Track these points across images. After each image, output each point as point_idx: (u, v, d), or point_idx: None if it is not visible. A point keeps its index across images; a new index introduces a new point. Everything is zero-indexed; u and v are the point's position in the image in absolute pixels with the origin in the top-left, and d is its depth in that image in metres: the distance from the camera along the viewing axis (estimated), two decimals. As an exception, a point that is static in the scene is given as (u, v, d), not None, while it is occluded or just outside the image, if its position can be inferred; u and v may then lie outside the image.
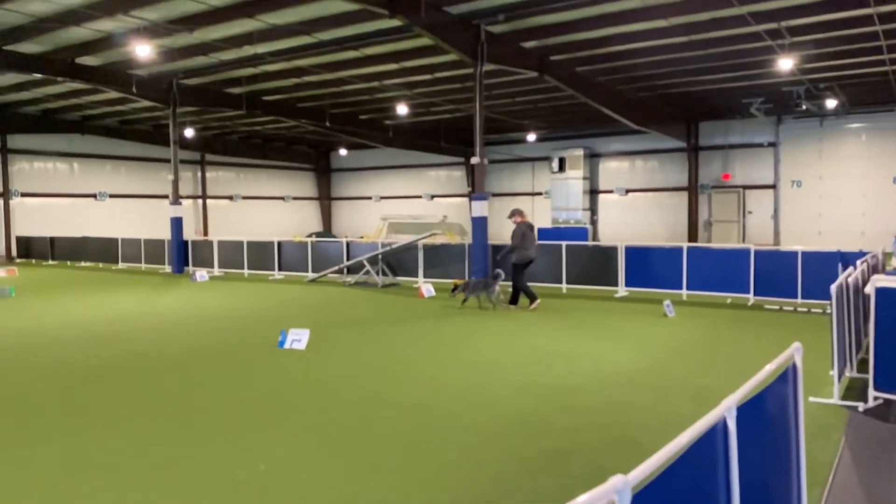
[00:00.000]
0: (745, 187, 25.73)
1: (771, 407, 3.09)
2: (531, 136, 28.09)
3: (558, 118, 26.17)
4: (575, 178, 28.46)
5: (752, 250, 12.33)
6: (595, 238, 28.63)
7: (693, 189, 26.27)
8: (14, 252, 24.80)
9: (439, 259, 15.69)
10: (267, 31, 14.60)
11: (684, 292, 12.74)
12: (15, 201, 25.08)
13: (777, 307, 11.58)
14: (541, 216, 30.23)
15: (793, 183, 24.73)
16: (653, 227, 27.64)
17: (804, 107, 20.45)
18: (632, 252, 13.58)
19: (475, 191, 14.81)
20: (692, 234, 26.12)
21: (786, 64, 15.16)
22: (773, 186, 25.11)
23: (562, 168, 28.55)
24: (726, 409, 2.51)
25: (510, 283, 12.06)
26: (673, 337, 9.05)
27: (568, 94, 19.42)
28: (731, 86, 19.95)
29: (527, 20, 14.08)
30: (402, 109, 21.78)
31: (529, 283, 12.19)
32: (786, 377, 3.28)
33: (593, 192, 29.29)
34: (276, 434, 5.23)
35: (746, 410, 2.66)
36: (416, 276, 15.61)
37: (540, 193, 30.84)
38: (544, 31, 14.79)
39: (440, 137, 28.68)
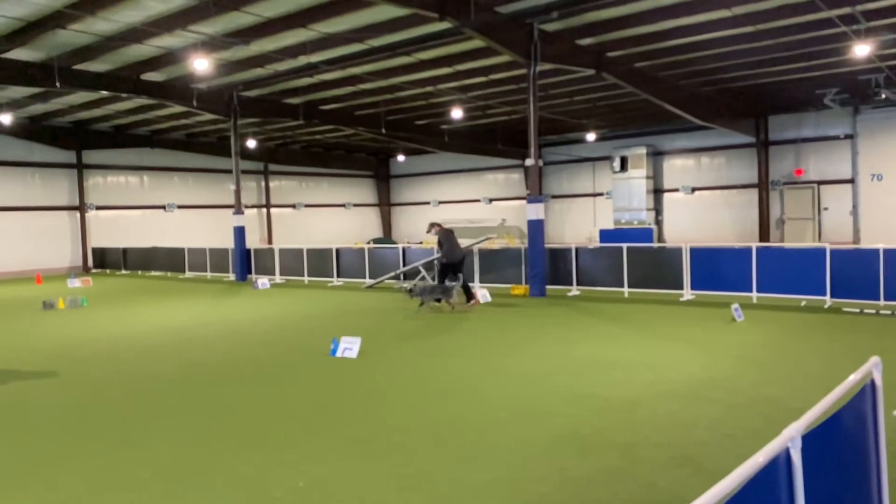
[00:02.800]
0: (820, 182, 24.38)
1: (845, 430, 2.73)
2: (591, 136, 27.46)
3: (618, 116, 25.49)
4: (638, 178, 27.66)
5: (827, 249, 11.56)
6: (660, 239, 27.75)
7: (763, 186, 25.08)
8: (90, 262, 25.92)
9: (496, 263, 15.43)
10: (320, 41, 14.71)
11: (754, 295, 12.08)
12: (90, 214, 26.22)
13: (857, 310, 10.80)
14: (603, 217, 29.54)
15: (873, 177, 23.24)
16: (721, 226, 26.57)
17: (883, 95, 19.20)
18: (697, 253, 12.98)
19: (531, 193, 14.51)
20: (763, 234, 24.94)
21: (862, 50, 14.23)
22: (851, 181, 23.68)
23: (623, 167, 27.80)
24: (788, 438, 2.20)
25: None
26: (741, 344, 8.52)
27: (627, 91, 18.84)
28: (803, 76, 18.94)
29: (582, 16, 13.69)
30: (457, 113, 21.63)
31: (589, 286, 11.88)
32: (863, 395, 2.91)
33: (657, 192, 28.39)
34: (319, 447, 5.11)
35: (815, 438, 2.34)
36: (473, 281, 15.39)
37: (601, 194, 30.13)
38: (600, 27, 14.35)
39: (497, 140, 28.41)
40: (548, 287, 14.12)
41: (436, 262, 13.36)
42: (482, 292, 13.39)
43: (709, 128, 23.43)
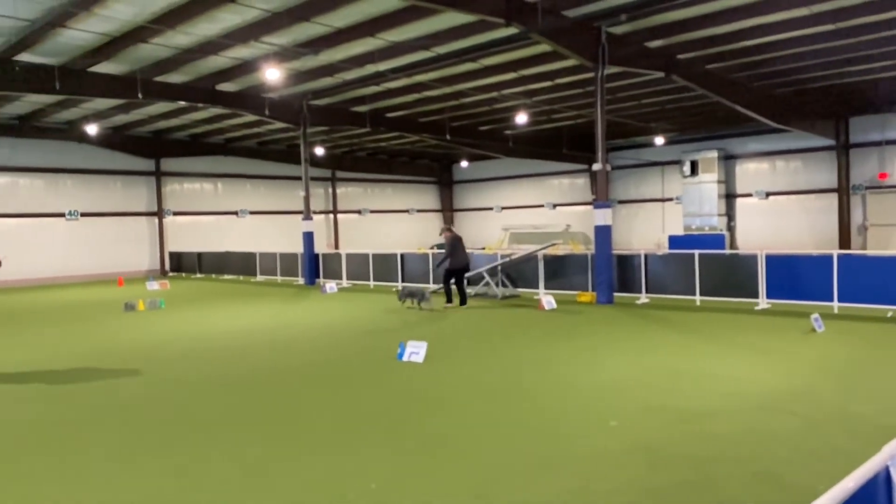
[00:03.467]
0: (907, 186, 23.12)
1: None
2: (659, 140, 26.85)
3: (689, 119, 24.85)
4: (709, 182, 26.88)
5: (917, 257, 10.93)
6: (732, 245, 26.85)
7: (844, 190, 23.93)
8: (167, 266, 27.05)
9: (561, 270, 15.25)
10: (387, 49, 14.92)
11: (835, 305, 11.53)
12: (168, 220, 27.38)
13: (950, 322, 10.17)
14: (672, 223, 28.83)
15: (965, 180, 21.90)
16: (797, 232, 25.50)
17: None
18: (774, 260, 12.49)
19: (598, 198, 14.29)
20: (843, 240, 23.77)
21: (954, 46, 13.43)
22: (942, 184, 22.37)
23: (694, 172, 27.07)
24: (889, 456, 2.09)
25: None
26: (822, 356, 8.14)
27: (698, 93, 18.36)
28: (888, 75, 18.01)
29: (651, 18, 13.43)
30: (521, 118, 21.55)
31: (659, 294, 11.61)
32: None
33: (729, 197, 27.51)
34: (389, 450, 5.16)
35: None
36: (537, 287, 15.27)
37: (670, 199, 29.41)
38: (670, 29, 14.04)
39: (562, 145, 28.13)
40: (615, 294, 13.86)
41: (440, 265, 14.24)
42: (547, 299, 13.26)
43: (784, 130, 22.56)
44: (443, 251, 14.51)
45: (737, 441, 5.12)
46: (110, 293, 19.30)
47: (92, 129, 22.00)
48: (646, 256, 14.07)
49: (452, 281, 13.92)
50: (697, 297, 13.14)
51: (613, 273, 13.93)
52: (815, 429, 5.36)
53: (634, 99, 20.68)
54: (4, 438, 5.82)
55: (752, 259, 12.75)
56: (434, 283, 17.31)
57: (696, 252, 13.44)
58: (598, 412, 6.00)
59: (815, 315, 9.94)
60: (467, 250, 14.56)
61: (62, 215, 24.64)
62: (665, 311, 12.36)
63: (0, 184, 23.42)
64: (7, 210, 23.20)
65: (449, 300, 13.89)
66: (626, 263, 14.28)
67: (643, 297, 13.78)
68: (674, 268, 13.81)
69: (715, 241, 25.43)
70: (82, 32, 13.47)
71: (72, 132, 23.54)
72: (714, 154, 26.83)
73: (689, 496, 4.16)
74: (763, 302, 12.39)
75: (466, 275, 14.24)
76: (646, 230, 29.62)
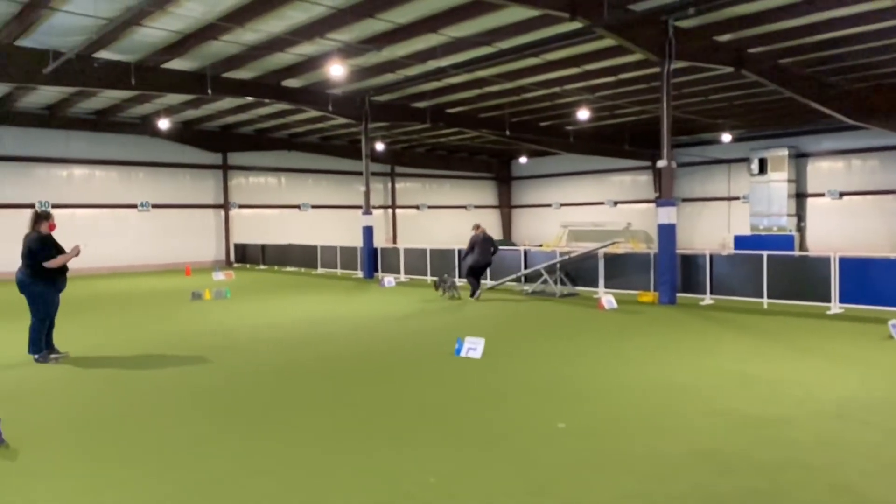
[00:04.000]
0: None
1: None
2: (726, 136, 26.05)
3: (758, 116, 23.99)
4: (778, 181, 25.94)
5: None
6: (802, 247, 25.84)
7: (925, 190, 22.72)
8: (232, 257, 27.86)
9: (622, 269, 14.98)
10: (449, 45, 14.94)
11: (916, 311, 10.95)
12: (233, 212, 28.19)
13: None
14: (738, 223, 27.96)
15: None
16: (873, 234, 24.35)
17: None
18: (848, 263, 11.95)
19: (662, 196, 13.98)
20: (924, 243, 22.58)
21: None
22: None
23: (763, 170, 26.16)
24: None
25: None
26: (901, 364, 7.74)
27: (769, 89, 17.72)
28: (978, 68, 16.97)
29: (720, 12, 12.99)
30: (583, 114, 21.24)
31: (726, 296, 11.33)
32: None
33: (800, 196, 26.49)
34: (446, 445, 5.17)
35: None
36: (597, 286, 15.04)
37: (737, 198, 28.52)
38: (740, 23, 13.57)
39: (624, 141, 27.62)
40: (678, 295, 13.53)
41: (464, 261, 15.14)
42: (607, 298, 13.05)
43: (861, 128, 21.54)
44: (496, 248, 15.22)
45: (809, 450, 4.92)
46: (178, 282, 20.00)
47: (163, 124, 22.83)
48: (711, 256, 13.67)
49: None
50: (765, 300, 12.70)
51: (677, 273, 13.60)
52: (893, 440, 5.10)
53: (701, 94, 20.11)
54: (78, 419, 6.11)
55: (824, 261, 12.23)
56: (491, 279, 17.28)
57: (765, 253, 12.98)
58: (660, 414, 5.87)
59: (893, 321, 9.46)
60: (520, 246, 14.75)
61: (134, 206, 25.68)
62: (731, 313, 11.99)
63: (78, 176, 24.59)
64: (84, 201, 24.32)
65: (472, 293, 14.76)
66: (690, 263, 13.92)
67: (707, 299, 13.40)
68: (740, 269, 13.37)
69: (784, 242, 24.53)
70: (156, 30, 13.97)
71: (145, 127, 24.49)
72: (784, 152, 25.87)
73: (758, 504, 4.02)
74: (836, 306, 11.87)
75: (522, 272, 14.24)
76: (710, 230, 28.80)
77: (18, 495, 4.37)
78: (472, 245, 14.82)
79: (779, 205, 25.90)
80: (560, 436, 5.35)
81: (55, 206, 22.57)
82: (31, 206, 22.75)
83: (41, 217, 8.53)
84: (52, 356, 8.57)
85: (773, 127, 25.85)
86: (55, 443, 5.41)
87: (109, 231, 24.46)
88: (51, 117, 22.75)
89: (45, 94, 20.01)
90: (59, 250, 8.44)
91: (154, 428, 5.76)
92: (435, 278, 16.57)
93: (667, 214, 13.52)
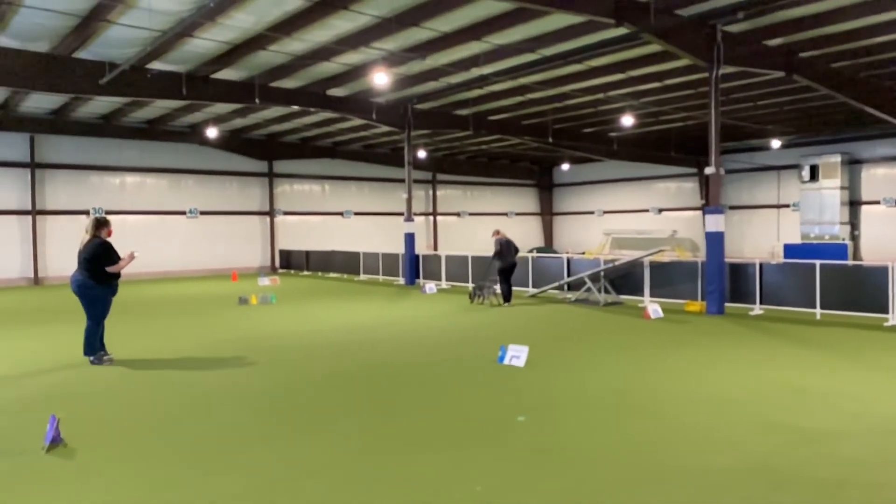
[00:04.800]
0: None
1: None
2: (776, 143, 25.41)
3: (809, 121, 23.35)
4: (830, 188, 25.18)
5: None
6: (856, 256, 25.01)
7: None
8: (277, 263, 28.33)
9: (668, 277, 14.72)
10: (492, 52, 14.95)
11: (980, 324, 10.48)
12: (278, 219, 28.69)
13: None
14: (787, 231, 27.23)
15: None
16: (932, 243, 23.42)
17: None
18: (906, 273, 11.52)
19: (709, 203, 13.71)
20: None
21: None
22: None
23: (814, 177, 25.44)
24: None
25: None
26: (966, 379, 7.41)
27: (822, 93, 17.26)
28: None
29: (770, 16, 12.73)
30: (627, 120, 21.00)
31: (774, 306, 11.09)
32: None
33: (853, 204, 25.65)
34: (491, 454, 5.14)
35: None
36: (642, 294, 14.81)
37: (787, 206, 27.78)
38: (791, 26, 13.26)
39: (670, 147, 27.18)
40: (726, 305, 13.23)
41: (493, 265, 15.29)
42: (653, 307, 12.83)
43: (920, 132, 20.80)
44: (544, 254, 14.85)
45: (869, 466, 4.75)
46: (225, 287, 20.42)
47: (212, 133, 23.38)
48: (761, 265, 13.34)
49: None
50: (818, 311, 12.32)
51: (725, 282, 13.30)
52: (960, 459, 4.89)
53: (750, 100, 19.68)
54: (133, 420, 6.27)
55: (881, 271, 11.82)
56: (533, 286, 17.19)
57: (818, 262, 12.61)
58: (711, 427, 5.74)
59: (957, 334, 9.08)
60: (563, 254, 14.60)
61: (183, 213, 26.34)
62: (782, 323, 11.67)
63: (130, 183, 25.35)
64: (135, 207, 25.06)
65: (506, 299, 14.96)
66: (739, 272, 13.60)
67: (757, 309, 13.07)
68: (792, 278, 13.02)
69: (836, 250, 23.77)
70: (206, 41, 14.34)
71: (194, 135, 25.13)
72: (837, 158, 25.11)
73: (816, 522, 3.89)
74: (893, 318, 11.45)
75: (565, 280, 14.11)
76: (759, 238, 28.11)
77: (76, 494, 4.50)
78: (500, 250, 14.99)
79: (831, 212, 25.14)
80: (611, 447, 5.27)
81: (108, 212, 23.30)
82: (86, 212, 23.60)
83: (102, 223, 8.82)
84: (106, 357, 8.83)
85: (825, 133, 25.12)
86: (111, 442, 5.56)
87: (159, 237, 25.13)
88: (105, 126, 23.53)
89: (100, 104, 20.70)
90: (118, 256, 8.74)
91: (206, 430, 5.88)
92: (474, 284, 16.41)
93: (715, 222, 13.25)
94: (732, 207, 28.91)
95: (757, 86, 17.87)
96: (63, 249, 22.68)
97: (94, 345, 8.82)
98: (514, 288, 15.28)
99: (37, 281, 23.04)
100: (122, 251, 8.84)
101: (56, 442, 5.42)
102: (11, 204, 22.84)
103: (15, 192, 22.91)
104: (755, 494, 4.29)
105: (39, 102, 20.25)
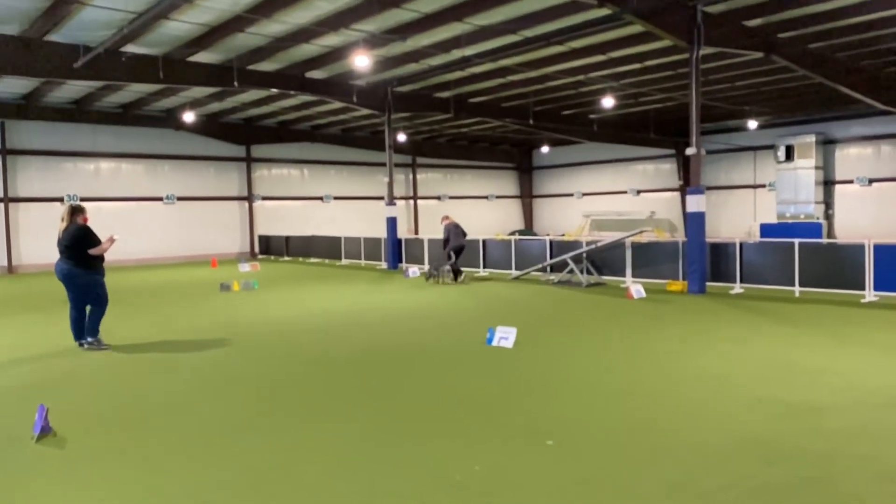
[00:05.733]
0: None
1: None
2: (752, 123, 25.68)
3: (785, 102, 23.63)
4: (805, 168, 25.59)
5: None
6: (830, 234, 25.48)
7: (959, 176, 22.26)
8: (256, 249, 28.08)
9: (649, 258, 14.88)
10: (474, 34, 14.87)
11: (954, 299, 10.75)
12: (257, 204, 28.41)
13: None
14: (764, 211, 27.62)
15: None
16: (904, 221, 23.92)
17: None
18: (883, 250, 11.77)
19: (690, 184, 13.84)
20: (958, 230, 22.14)
21: None
22: None
23: (789, 157, 25.81)
24: None
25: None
26: (943, 352, 7.62)
27: (798, 74, 17.45)
28: None
29: (751, -4, 12.82)
30: (607, 102, 21.06)
31: (756, 284, 11.23)
32: None
33: (828, 183, 26.10)
34: (486, 435, 5.18)
35: None
36: (623, 275, 14.96)
37: (763, 186, 28.16)
38: (771, 7, 13.38)
39: (649, 129, 27.35)
40: (707, 284, 13.42)
41: (446, 249, 16.50)
42: (636, 287, 12.97)
43: (891, 113, 21.10)
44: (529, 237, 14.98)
45: (855, 438, 4.87)
46: (206, 274, 20.21)
47: (188, 117, 23.01)
48: (741, 245, 13.53)
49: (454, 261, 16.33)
50: (797, 288, 12.55)
51: (706, 262, 13.48)
52: (943, 429, 5.03)
53: (728, 81, 19.84)
54: (123, 407, 6.21)
55: (858, 248, 12.06)
56: (515, 268, 17.28)
57: (797, 241, 12.82)
58: (701, 404, 5.83)
59: (933, 309, 9.32)
60: (544, 236, 14.67)
61: (160, 199, 25.97)
62: (762, 301, 11.87)
63: (105, 169, 24.90)
64: (111, 194, 24.67)
65: (455, 277, 16.44)
66: (719, 252, 13.78)
67: (737, 287, 13.28)
68: (771, 257, 13.22)
69: (811, 229, 24.20)
70: (183, 23, 14.05)
71: (170, 120, 24.72)
72: (812, 138, 25.48)
73: (812, 492, 3.98)
74: (870, 294, 11.71)
75: (548, 262, 14.20)
76: (736, 218, 28.48)
77: (68, 483, 4.45)
78: (448, 234, 16.42)
79: (806, 192, 25.56)
80: (604, 427, 5.34)
81: (83, 199, 22.93)
82: (60, 199, 23.17)
83: (77, 210, 8.73)
84: (104, 344, 8.79)
85: (801, 113, 25.44)
86: (101, 431, 5.50)
87: (136, 224, 24.76)
88: (78, 111, 23.03)
89: (72, 89, 20.24)
90: (98, 239, 8.64)
91: (195, 417, 5.84)
92: (429, 266, 17.72)
93: (696, 202, 13.39)
94: (710, 188, 29.17)
95: (735, 66, 18.02)
96: (37, 237, 22.27)
97: (96, 329, 8.83)
98: (493, 270, 15.47)
99: (10, 270, 22.61)
100: (101, 237, 8.71)
101: (45, 431, 5.35)
102: (-19, 191, 22.33)
103: (-15, 180, 22.39)
104: (749, 468, 4.38)
105: (9, 87, 19.74)
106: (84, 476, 4.56)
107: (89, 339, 8.79)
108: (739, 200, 28.86)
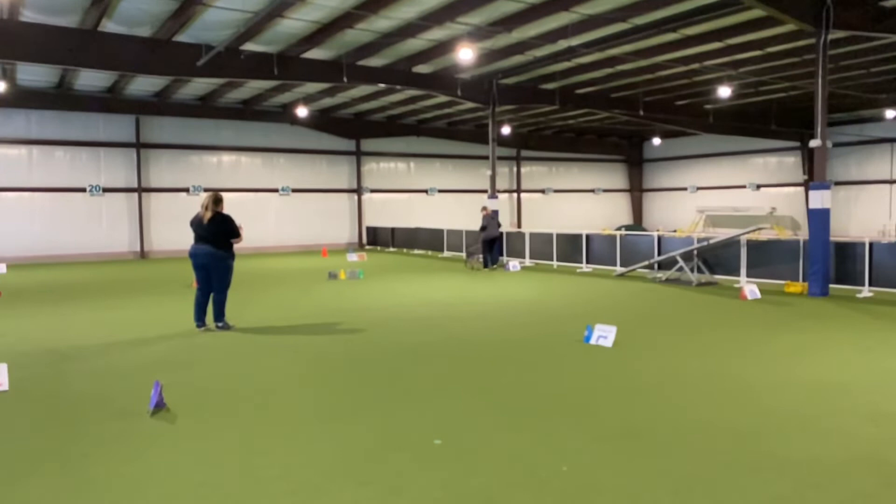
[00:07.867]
0: None
1: None
2: (890, 113, 23.54)
3: (929, 89, 21.49)
4: (951, 162, 23.17)
5: None
6: (980, 235, 22.97)
7: None
8: (364, 240, 28.93)
9: (766, 256, 13.99)
10: (581, 23, 14.51)
11: None
12: (365, 196, 29.24)
13: None
14: (900, 208, 25.32)
15: None
16: None
17: None
18: None
19: (814, 178, 12.87)
20: None
21: None
22: None
23: (932, 149, 23.45)
24: None
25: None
26: None
27: (945, 58, 15.80)
28: None
29: (890, -28, 11.72)
30: (724, 91, 19.96)
31: (888, 288, 10.21)
32: None
33: (979, 179, 23.52)
34: (579, 434, 5.05)
35: None
36: (738, 275, 14.16)
37: (900, 181, 25.80)
38: (915, -17, 12.17)
39: (770, 120, 25.70)
40: (831, 286, 12.45)
41: (480, 238, 18.10)
42: (750, 288, 12.24)
43: None
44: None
45: None
46: (316, 263, 21.04)
47: (302, 112, 23.99)
48: (871, 244, 12.45)
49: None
50: (936, 294, 11.41)
51: (830, 262, 12.51)
52: None
53: (861, 67, 18.29)
54: (230, 387, 6.56)
55: None
56: (620, 265, 16.78)
57: (937, 242, 11.63)
58: (817, 416, 5.40)
59: None
60: (653, 232, 14.07)
61: (276, 191, 27.27)
62: (893, 307, 10.86)
63: (226, 162, 26.44)
64: (231, 185, 26.13)
65: (485, 265, 18.00)
66: (845, 252, 12.75)
67: (865, 291, 12.23)
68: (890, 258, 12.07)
69: (957, 229, 21.91)
70: (296, 21, 14.63)
71: (285, 115, 25.88)
72: (960, 128, 23.04)
73: (936, 522, 3.60)
74: None
75: (656, 259, 13.68)
76: (868, 215, 26.27)
77: (170, 456, 4.74)
78: (485, 224, 17.95)
79: (952, 188, 23.16)
80: (705, 434, 5.07)
81: (206, 190, 24.42)
82: (186, 190, 24.84)
83: (220, 200, 9.40)
84: (218, 325, 9.46)
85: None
86: (210, 408, 5.83)
87: (253, 214, 26.13)
88: (202, 107, 24.58)
89: (197, 86, 21.62)
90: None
91: (298, 399, 6.07)
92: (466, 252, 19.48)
93: (820, 198, 12.44)
94: (839, 183, 27.10)
95: (869, 52, 16.59)
96: (166, 225, 24.02)
97: (224, 311, 9.53)
98: (597, 266, 15.04)
99: (143, 254, 24.50)
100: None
101: (160, 406, 5.74)
102: (119, 182, 24.33)
103: (122, 172, 24.37)
104: (864, 488, 4.01)
105: (143, 85, 21.35)
106: (185, 450, 4.84)
107: (219, 324, 9.46)
108: (872, 197, 26.57)
